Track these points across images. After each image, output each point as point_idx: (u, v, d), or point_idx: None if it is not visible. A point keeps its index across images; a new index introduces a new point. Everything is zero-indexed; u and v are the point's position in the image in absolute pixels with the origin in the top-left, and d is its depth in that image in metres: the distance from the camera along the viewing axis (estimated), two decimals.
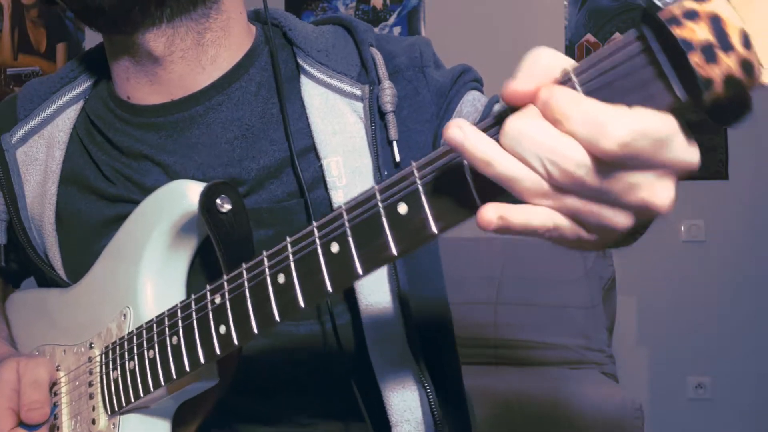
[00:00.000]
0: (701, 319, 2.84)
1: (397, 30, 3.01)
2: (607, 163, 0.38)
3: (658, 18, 0.36)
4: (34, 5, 2.70)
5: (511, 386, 2.16)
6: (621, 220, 0.40)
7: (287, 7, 3.10)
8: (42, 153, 0.79)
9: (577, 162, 0.38)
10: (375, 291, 0.70)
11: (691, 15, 0.36)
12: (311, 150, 0.73)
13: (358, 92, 0.73)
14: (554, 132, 0.38)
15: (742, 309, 2.81)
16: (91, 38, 2.95)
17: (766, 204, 2.83)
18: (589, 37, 2.89)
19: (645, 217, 0.41)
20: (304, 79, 0.75)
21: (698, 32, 0.36)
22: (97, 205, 0.76)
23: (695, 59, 0.36)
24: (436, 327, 0.78)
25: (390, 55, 0.77)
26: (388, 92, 0.72)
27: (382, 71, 0.74)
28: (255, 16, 0.85)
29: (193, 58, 0.74)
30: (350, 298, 0.72)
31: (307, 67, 0.76)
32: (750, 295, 2.81)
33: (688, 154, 0.39)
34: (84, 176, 0.77)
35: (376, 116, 0.72)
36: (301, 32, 0.78)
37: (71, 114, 0.80)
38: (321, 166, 0.72)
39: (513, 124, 0.39)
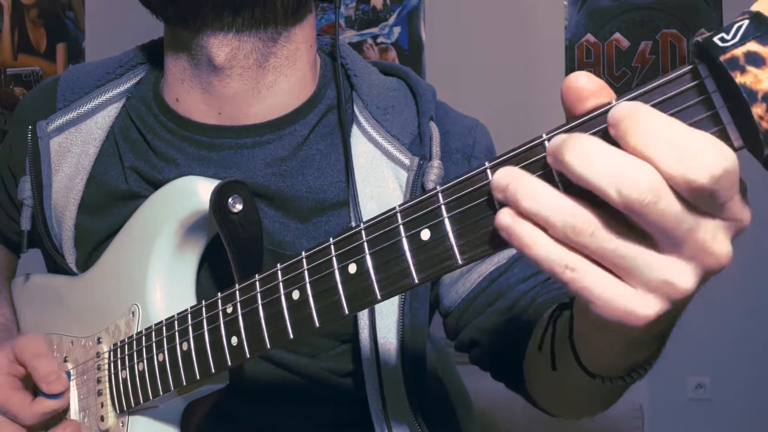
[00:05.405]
0: (701, 319, 2.84)
1: (397, 30, 3.01)
2: (685, 197, 0.34)
3: (719, 62, 0.34)
4: (34, 5, 2.69)
5: None
6: (684, 275, 0.37)
7: None
8: (77, 147, 0.78)
9: (649, 186, 0.34)
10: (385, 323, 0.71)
11: (756, 60, 0.33)
12: (343, 206, 0.73)
13: (407, 162, 0.71)
14: (626, 155, 0.35)
15: (742, 309, 2.82)
16: (91, 39, 2.94)
17: (766, 204, 2.84)
18: (589, 37, 2.89)
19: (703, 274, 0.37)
20: (356, 131, 0.74)
21: (763, 80, 0.33)
22: (116, 204, 0.76)
23: (758, 111, 0.33)
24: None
25: (446, 135, 0.76)
26: (435, 171, 0.70)
27: (436, 149, 0.73)
28: (319, 45, 0.83)
29: (251, 79, 0.71)
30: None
31: (362, 120, 0.74)
32: (750, 295, 2.82)
33: (746, 212, 0.37)
34: (109, 176, 0.77)
35: (418, 190, 0.70)
36: (365, 80, 0.77)
37: (112, 112, 0.79)
38: (350, 228, 0.71)
39: (583, 142, 0.35)
